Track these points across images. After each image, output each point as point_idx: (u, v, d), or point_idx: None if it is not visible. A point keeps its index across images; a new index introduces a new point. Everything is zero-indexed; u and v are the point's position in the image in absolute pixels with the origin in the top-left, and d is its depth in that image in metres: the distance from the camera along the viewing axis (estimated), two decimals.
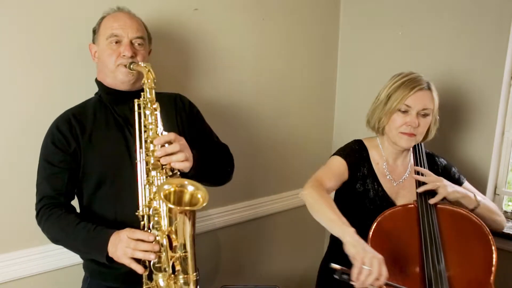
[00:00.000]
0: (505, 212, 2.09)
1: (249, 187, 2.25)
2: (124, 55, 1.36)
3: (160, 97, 1.36)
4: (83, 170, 1.36)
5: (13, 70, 1.49)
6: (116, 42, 1.37)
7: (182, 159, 1.26)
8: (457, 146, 2.08)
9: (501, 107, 1.95)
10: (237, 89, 2.12)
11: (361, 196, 1.54)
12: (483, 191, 2.01)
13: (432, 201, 1.45)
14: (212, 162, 1.49)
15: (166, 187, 1.22)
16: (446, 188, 1.46)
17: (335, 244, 1.64)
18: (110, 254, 1.24)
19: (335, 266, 1.25)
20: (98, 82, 1.44)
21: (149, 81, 1.30)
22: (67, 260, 1.61)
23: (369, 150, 1.59)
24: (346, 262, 1.56)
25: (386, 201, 1.53)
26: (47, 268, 1.63)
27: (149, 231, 1.26)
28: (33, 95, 1.54)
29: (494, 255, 1.37)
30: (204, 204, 1.19)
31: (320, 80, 2.49)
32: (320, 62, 2.48)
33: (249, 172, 2.23)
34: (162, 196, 1.19)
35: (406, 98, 1.45)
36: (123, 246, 1.21)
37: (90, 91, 1.47)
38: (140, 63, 1.34)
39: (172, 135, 1.28)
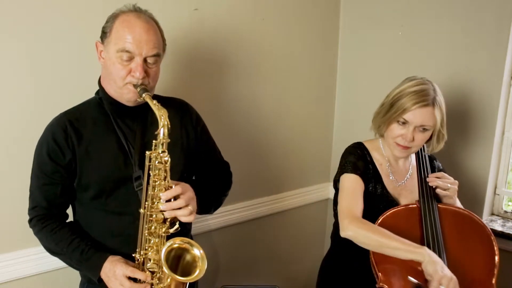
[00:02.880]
0: (505, 212, 2.09)
1: (249, 187, 2.25)
2: (134, 75, 1.25)
3: (165, 103, 1.28)
4: (79, 182, 1.31)
5: (12, 68, 1.49)
6: (128, 57, 1.24)
7: (187, 214, 1.25)
8: (457, 146, 2.08)
9: (501, 107, 1.95)
10: (236, 89, 2.12)
11: (365, 199, 1.51)
12: (483, 190, 2.02)
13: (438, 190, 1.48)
14: (213, 196, 1.50)
15: (170, 242, 1.26)
16: (453, 194, 1.50)
17: (337, 245, 1.65)
18: (102, 278, 1.27)
19: (413, 279, 1.30)
20: (101, 87, 1.35)
21: (163, 133, 1.22)
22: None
23: (370, 152, 1.59)
24: (348, 263, 1.56)
25: (390, 202, 1.53)
26: (44, 269, 1.64)
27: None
28: (33, 94, 1.54)
29: (497, 256, 1.38)
30: (200, 277, 1.24)
31: (320, 80, 2.49)
32: (320, 62, 2.47)
33: (249, 172, 2.23)
34: (166, 254, 1.23)
35: (406, 113, 1.43)
36: (117, 283, 1.24)
37: (90, 89, 1.41)
38: (155, 103, 1.22)
39: (179, 189, 1.24)
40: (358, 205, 1.45)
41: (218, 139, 1.62)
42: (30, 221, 1.35)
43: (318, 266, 1.76)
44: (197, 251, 1.28)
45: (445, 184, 1.48)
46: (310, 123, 2.49)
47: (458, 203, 1.55)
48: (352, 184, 1.49)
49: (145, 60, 1.26)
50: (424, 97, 1.41)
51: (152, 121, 1.34)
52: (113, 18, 1.28)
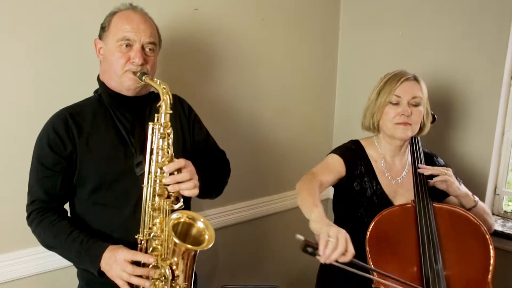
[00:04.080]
0: (505, 212, 2.09)
1: (249, 187, 2.25)
2: (133, 62, 1.29)
3: (158, 97, 1.28)
4: (79, 174, 1.31)
5: (12, 68, 1.49)
6: (127, 46, 1.29)
7: (191, 187, 1.24)
8: (457, 146, 2.08)
9: (501, 107, 1.95)
10: (237, 89, 2.12)
11: (358, 195, 1.55)
12: (483, 191, 2.02)
13: (431, 181, 1.48)
14: (213, 179, 1.49)
15: (175, 216, 1.24)
16: (451, 179, 1.49)
17: None
18: (103, 269, 1.23)
19: (300, 237, 1.18)
20: (101, 82, 1.37)
21: (165, 105, 1.24)
22: (63, 261, 1.55)
23: (366, 149, 1.61)
24: (347, 264, 1.57)
25: (384, 200, 1.54)
26: (44, 269, 1.63)
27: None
28: (33, 94, 1.54)
29: (492, 254, 1.37)
30: (210, 245, 1.22)
31: (320, 80, 2.50)
32: (320, 62, 2.48)
33: (248, 172, 2.23)
34: (171, 228, 1.21)
35: (395, 89, 1.49)
36: (119, 269, 1.20)
37: (90, 88, 1.43)
38: (156, 80, 1.26)
39: (182, 162, 1.24)
40: (324, 176, 1.49)
41: (218, 139, 1.62)
42: (28, 217, 1.33)
43: (318, 266, 1.76)
44: (200, 224, 1.27)
45: (441, 170, 1.49)
46: (310, 122, 2.50)
47: (461, 187, 1.52)
48: (332, 161, 1.56)
49: (143, 48, 1.31)
50: (405, 74, 1.52)
51: (151, 114, 1.36)
52: (110, 15, 1.35)
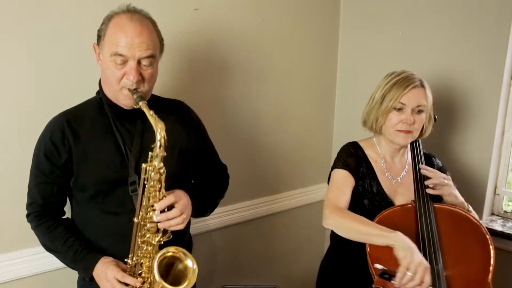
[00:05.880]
0: (505, 212, 2.09)
1: (249, 187, 2.25)
2: (128, 78, 1.23)
3: (165, 104, 1.28)
4: (76, 182, 1.32)
5: (12, 68, 1.49)
6: (121, 60, 1.22)
7: (180, 223, 1.26)
8: (457, 146, 2.08)
9: (501, 107, 1.95)
10: (237, 89, 2.12)
11: (360, 196, 1.55)
12: (483, 191, 2.02)
13: (429, 191, 1.48)
14: (210, 200, 1.51)
15: (163, 252, 1.25)
16: (450, 188, 1.49)
17: (336, 245, 1.65)
18: (94, 277, 1.28)
19: (379, 266, 1.32)
20: (101, 88, 1.35)
21: (159, 146, 1.18)
22: None
23: (365, 150, 1.61)
24: (347, 263, 1.57)
25: (385, 200, 1.54)
26: (43, 269, 1.64)
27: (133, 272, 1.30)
28: (34, 94, 1.54)
29: (492, 255, 1.37)
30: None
31: (320, 80, 2.49)
32: (320, 62, 2.47)
33: (249, 172, 2.23)
34: (156, 268, 1.21)
35: (401, 97, 1.48)
36: (108, 285, 1.25)
37: (90, 89, 1.41)
38: (152, 113, 1.18)
39: (172, 198, 1.25)
40: (342, 198, 1.50)
41: (218, 139, 1.62)
42: (27, 216, 1.38)
43: (318, 266, 1.76)
44: (190, 263, 1.27)
45: (442, 180, 1.48)
46: (310, 123, 2.50)
47: (459, 197, 1.52)
48: (340, 178, 1.55)
49: (139, 62, 1.24)
50: (413, 80, 1.50)
51: (151, 125, 1.34)
52: (107, 20, 1.27)
